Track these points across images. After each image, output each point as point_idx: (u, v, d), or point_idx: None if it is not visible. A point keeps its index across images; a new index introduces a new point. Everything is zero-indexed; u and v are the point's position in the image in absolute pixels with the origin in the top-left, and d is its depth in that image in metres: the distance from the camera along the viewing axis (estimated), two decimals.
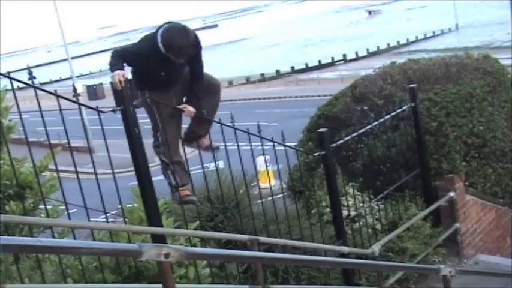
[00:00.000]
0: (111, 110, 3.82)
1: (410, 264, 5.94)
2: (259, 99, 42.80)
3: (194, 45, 4.10)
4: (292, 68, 61.81)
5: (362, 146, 7.14)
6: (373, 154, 6.79)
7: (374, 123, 6.47)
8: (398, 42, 69.06)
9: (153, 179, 3.98)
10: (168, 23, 4.16)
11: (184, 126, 4.56)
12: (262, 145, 4.89)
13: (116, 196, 3.86)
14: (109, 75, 3.95)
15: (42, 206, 4.29)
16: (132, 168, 3.91)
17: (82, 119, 4.50)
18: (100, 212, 3.90)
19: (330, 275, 5.60)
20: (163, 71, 4.13)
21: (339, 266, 5.45)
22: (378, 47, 67.02)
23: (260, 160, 10.70)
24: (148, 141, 4.25)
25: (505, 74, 8.23)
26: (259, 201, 5.47)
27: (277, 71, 60.41)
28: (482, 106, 7.55)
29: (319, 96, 34.70)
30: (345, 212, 6.04)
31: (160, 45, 4.03)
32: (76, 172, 3.78)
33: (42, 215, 4.31)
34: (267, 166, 8.59)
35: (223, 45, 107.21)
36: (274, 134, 5.33)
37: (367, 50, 66.10)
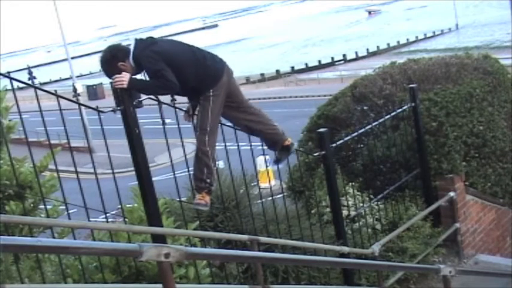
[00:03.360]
0: (111, 110, 3.82)
1: (410, 264, 5.94)
2: (259, 99, 42.78)
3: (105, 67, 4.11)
4: (292, 68, 61.82)
5: (362, 146, 7.14)
6: (373, 154, 6.78)
7: (374, 123, 6.47)
8: (398, 42, 69.09)
9: (153, 179, 3.98)
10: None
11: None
12: (262, 145, 4.89)
13: (116, 196, 3.86)
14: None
15: (42, 206, 4.29)
16: (132, 168, 3.91)
17: (82, 119, 4.50)
18: (100, 212, 3.90)
19: (330, 275, 5.59)
20: None
21: (339, 266, 5.45)
22: (378, 47, 67.06)
23: (260, 160, 10.70)
24: (148, 141, 4.25)
25: (505, 74, 8.23)
26: (259, 201, 5.47)
27: (277, 71, 60.41)
28: (482, 106, 7.55)
29: (319, 96, 34.73)
30: (345, 212, 6.04)
31: None
32: (76, 172, 3.78)
33: (42, 215, 4.31)
34: (267, 166, 8.59)
35: (223, 45, 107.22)
36: None
37: (367, 50, 66.13)
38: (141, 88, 3.97)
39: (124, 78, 3.79)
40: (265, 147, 5.08)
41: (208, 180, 4.32)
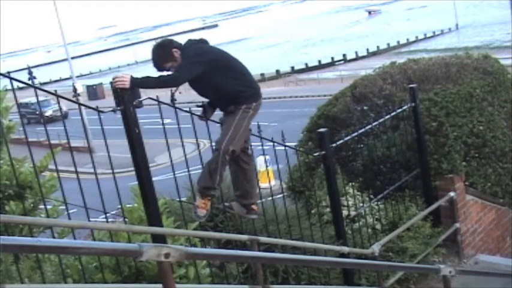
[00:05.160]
0: (111, 110, 3.82)
1: (410, 264, 5.94)
2: None
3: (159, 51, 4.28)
4: (292, 68, 61.79)
5: (362, 146, 7.14)
6: (373, 154, 6.78)
7: (374, 123, 6.47)
8: (398, 42, 69.09)
9: (153, 179, 3.98)
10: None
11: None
12: (262, 145, 4.89)
13: (116, 196, 3.86)
14: (109, 75, 3.97)
15: (42, 206, 4.29)
16: (132, 168, 3.91)
17: (82, 119, 4.50)
18: (100, 212, 3.90)
19: (330, 275, 5.60)
20: None
21: (339, 266, 5.45)
22: (378, 47, 67.04)
23: (260, 160, 10.69)
24: (148, 141, 4.25)
25: (505, 74, 8.22)
26: (259, 201, 5.47)
27: (277, 71, 60.38)
28: (482, 106, 7.54)
29: (319, 96, 34.74)
30: (345, 212, 6.04)
31: None
32: (76, 172, 3.78)
33: (42, 215, 4.31)
34: (267, 166, 8.60)
35: (223, 45, 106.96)
36: (274, 134, 5.34)
37: (367, 50, 66.12)
38: (145, 87, 4.00)
39: (125, 78, 3.79)
40: (266, 147, 5.08)
41: (216, 188, 4.32)
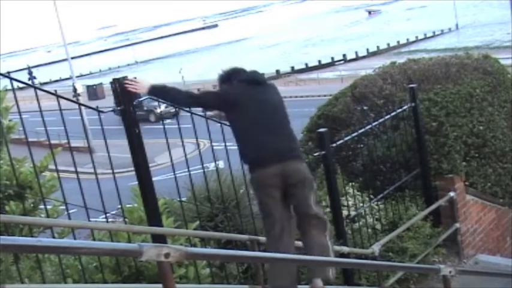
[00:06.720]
0: (111, 110, 3.81)
1: (410, 264, 5.94)
2: None
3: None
4: (292, 68, 61.80)
5: (362, 146, 7.14)
6: (373, 154, 6.78)
7: (374, 123, 6.47)
8: (398, 42, 69.08)
9: (153, 179, 3.98)
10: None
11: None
12: None
13: (116, 196, 3.86)
14: (109, 75, 3.96)
15: (42, 206, 4.30)
16: (132, 168, 3.91)
17: (82, 119, 4.50)
18: (100, 212, 3.91)
19: None
20: None
21: (339, 266, 5.45)
22: (378, 47, 67.04)
23: None
24: (148, 141, 4.24)
25: (505, 74, 8.23)
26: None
27: (277, 71, 60.38)
28: (482, 106, 7.55)
29: (319, 96, 34.74)
30: (345, 212, 6.04)
31: None
32: (76, 172, 3.78)
33: (42, 215, 4.31)
34: None
35: (223, 45, 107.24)
36: None
37: (367, 50, 66.12)
38: (161, 97, 3.97)
39: (140, 83, 3.73)
40: None
41: None
